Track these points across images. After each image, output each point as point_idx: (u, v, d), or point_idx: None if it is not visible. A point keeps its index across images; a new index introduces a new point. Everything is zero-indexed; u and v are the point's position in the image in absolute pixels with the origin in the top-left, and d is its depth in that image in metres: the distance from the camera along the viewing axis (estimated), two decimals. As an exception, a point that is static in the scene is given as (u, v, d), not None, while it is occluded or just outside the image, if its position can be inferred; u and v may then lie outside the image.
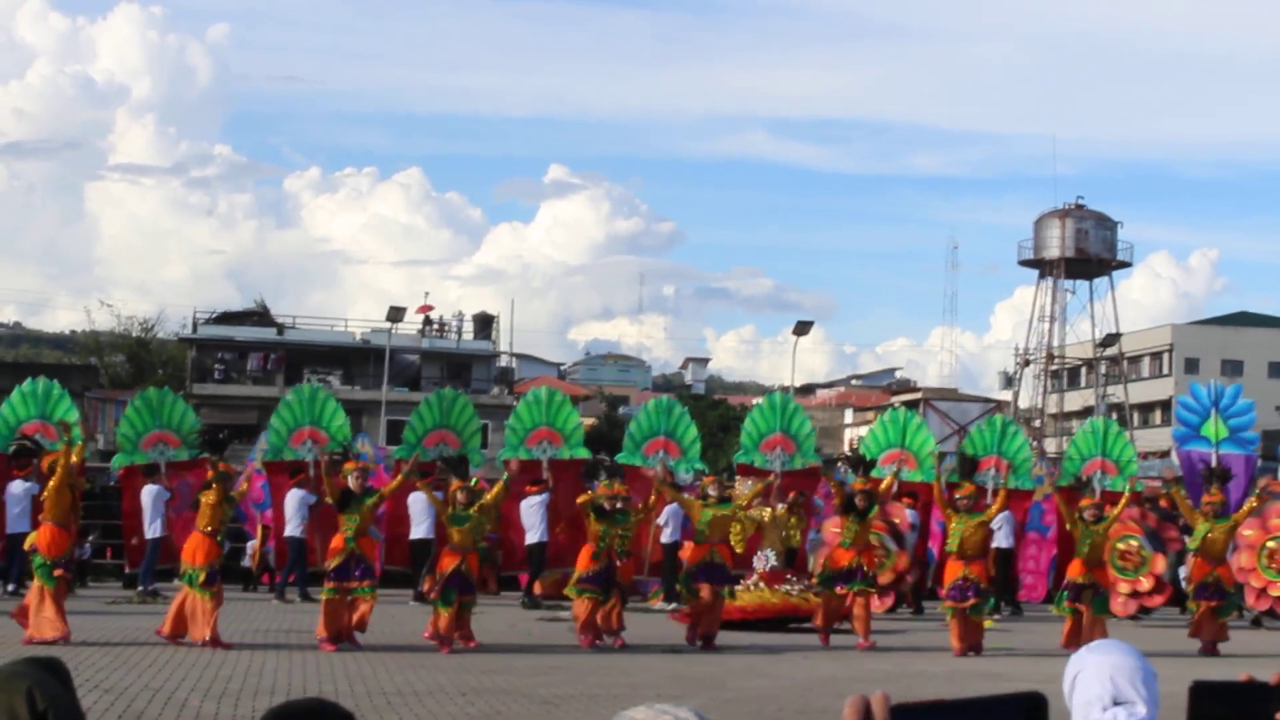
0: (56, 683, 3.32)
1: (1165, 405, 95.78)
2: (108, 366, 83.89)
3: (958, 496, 23.59)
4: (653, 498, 23.78)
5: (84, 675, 16.63)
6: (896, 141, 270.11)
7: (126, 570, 33.33)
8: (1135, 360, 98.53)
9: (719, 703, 16.52)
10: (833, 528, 26.91)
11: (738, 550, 26.09)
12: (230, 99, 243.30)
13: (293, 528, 30.54)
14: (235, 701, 15.67)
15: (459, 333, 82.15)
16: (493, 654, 21.03)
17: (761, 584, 26.14)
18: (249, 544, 34.21)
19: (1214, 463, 28.83)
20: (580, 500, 22.85)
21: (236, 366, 78.06)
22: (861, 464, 26.62)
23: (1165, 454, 63.78)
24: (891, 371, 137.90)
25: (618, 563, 22.58)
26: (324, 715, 4.20)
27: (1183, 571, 28.22)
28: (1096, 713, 5.27)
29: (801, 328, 62.69)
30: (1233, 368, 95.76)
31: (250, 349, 78.36)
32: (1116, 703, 5.24)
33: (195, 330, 79.26)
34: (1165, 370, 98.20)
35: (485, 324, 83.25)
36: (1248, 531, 27.39)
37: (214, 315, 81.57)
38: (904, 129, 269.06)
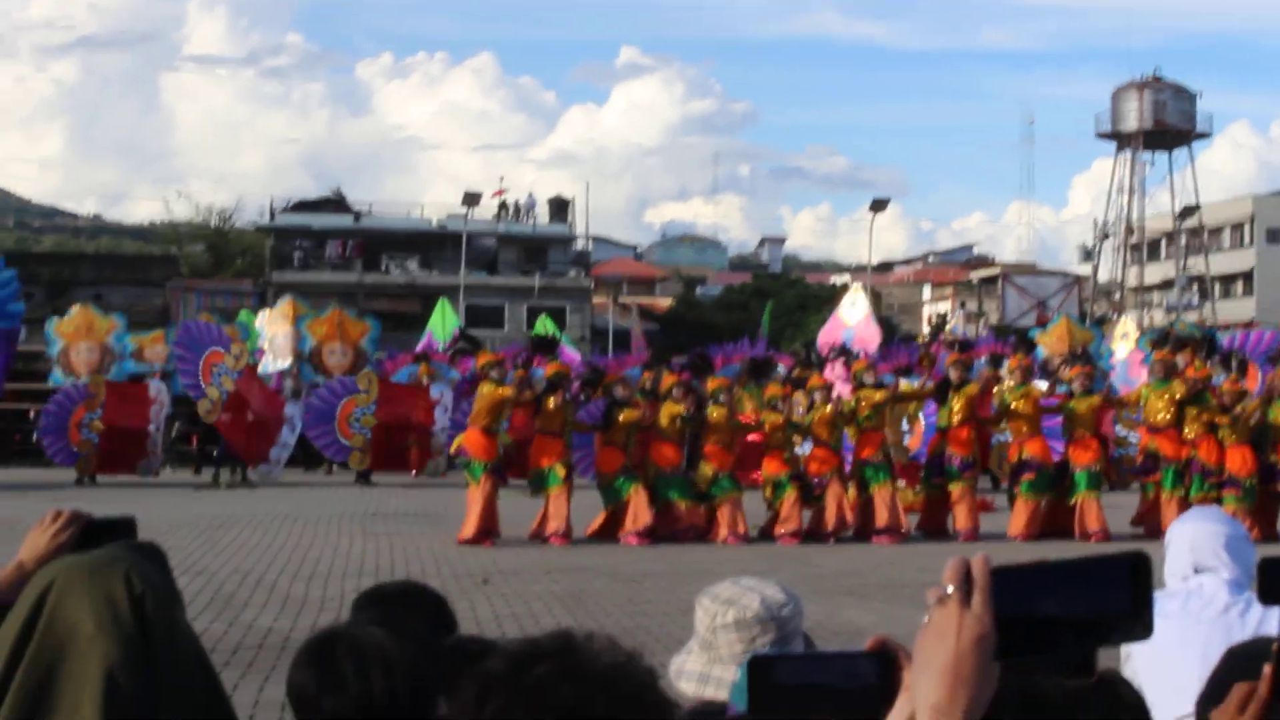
0: (153, 567, 3.38)
1: (1247, 276, 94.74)
2: (187, 256, 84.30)
3: None
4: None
5: (175, 559, 16.67)
6: (968, 16, 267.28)
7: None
8: (1216, 232, 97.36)
9: (803, 577, 16.61)
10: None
11: None
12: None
13: None
14: (324, 583, 15.88)
15: (523, 213, 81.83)
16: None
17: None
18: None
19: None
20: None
21: (315, 254, 78.20)
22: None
23: (1248, 325, 63.23)
24: (969, 247, 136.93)
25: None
26: (415, 597, 4.27)
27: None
28: (1178, 584, 5.30)
29: (878, 205, 62.46)
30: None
31: (328, 236, 78.50)
32: (1198, 571, 5.27)
33: (273, 219, 79.50)
34: (1246, 241, 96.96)
35: (561, 207, 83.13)
36: None
37: (291, 204, 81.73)
38: (975, 3, 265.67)
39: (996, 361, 24.17)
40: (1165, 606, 5.18)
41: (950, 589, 1.91)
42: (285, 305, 38.87)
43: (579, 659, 2.22)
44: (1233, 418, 22.59)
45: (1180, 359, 24.16)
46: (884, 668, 1.98)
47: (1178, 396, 22.57)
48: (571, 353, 36.38)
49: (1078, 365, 23.50)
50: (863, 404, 22.16)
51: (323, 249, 78.65)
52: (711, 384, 22.44)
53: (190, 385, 31.79)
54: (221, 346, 31.60)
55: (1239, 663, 3.09)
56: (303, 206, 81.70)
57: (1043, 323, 45.77)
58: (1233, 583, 5.15)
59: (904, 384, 24.04)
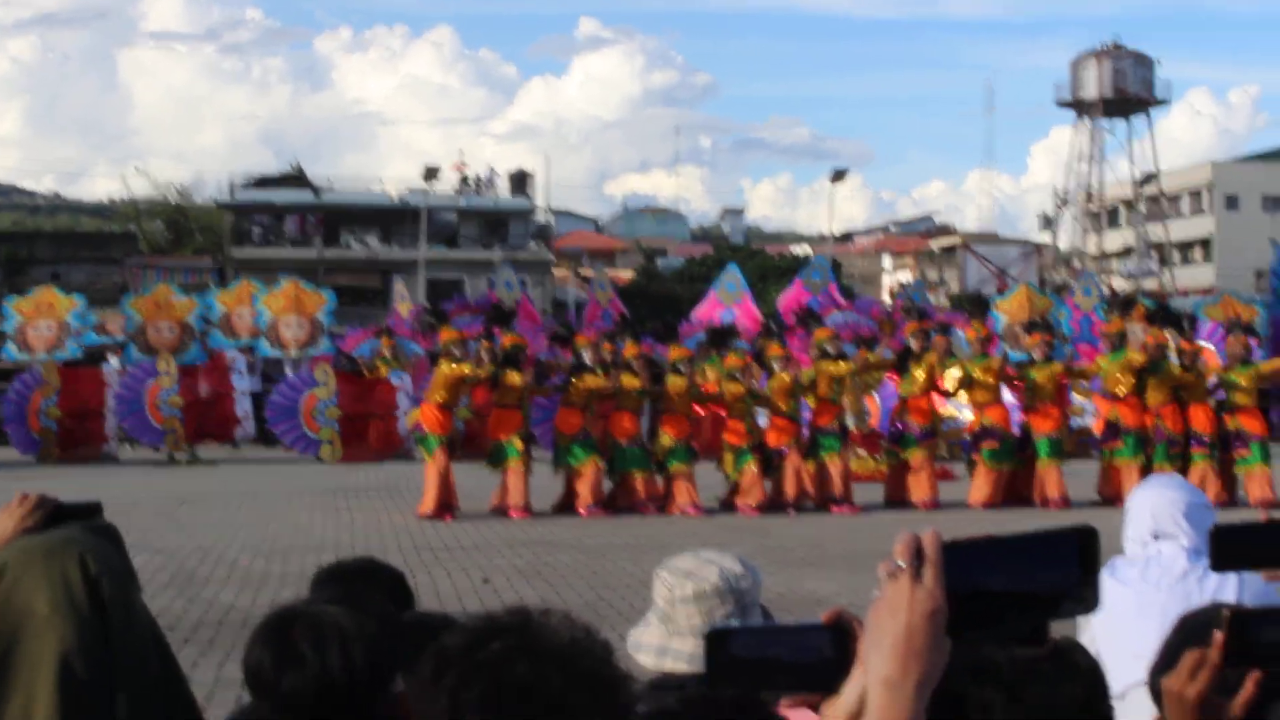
0: (110, 547, 3.37)
1: (1205, 243, 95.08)
2: (147, 233, 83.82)
3: None
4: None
5: (135, 537, 16.74)
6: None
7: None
8: (1175, 198, 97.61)
9: (764, 549, 16.64)
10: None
11: None
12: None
13: None
14: (285, 559, 15.85)
15: (481, 186, 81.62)
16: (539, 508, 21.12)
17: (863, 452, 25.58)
18: None
19: None
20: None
21: (275, 230, 77.91)
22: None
23: (1206, 291, 63.47)
24: (929, 217, 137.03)
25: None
26: (374, 573, 4.28)
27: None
28: (1137, 550, 5.33)
29: (838, 176, 62.54)
30: (1273, 204, 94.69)
31: (288, 212, 78.19)
32: (1157, 537, 5.30)
33: (232, 195, 79.14)
34: (1205, 208, 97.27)
35: (521, 181, 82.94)
36: None
37: (251, 180, 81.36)
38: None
39: (945, 329, 24.20)
40: (1124, 573, 5.22)
41: (901, 564, 1.92)
42: (240, 287, 38.83)
43: (535, 635, 2.23)
44: (1196, 373, 22.71)
45: (1138, 327, 24.26)
46: (840, 640, 1.99)
47: (1136, 365, 22.64)
48: (533, 310, 36.69)
49: (1037, 333, 23.56)
50: (822, 377, 22.14)
51: (282, 225, 78.37)
52: (673, 354, 22.47)
53: (151, 440, 31.90)
54: (152, 377, 31.75)
55: (1191, 630, 3.11)
56: (262, 183, 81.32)
57: (1003, 291, 45.81)
58: (1192, 550, 5.18)
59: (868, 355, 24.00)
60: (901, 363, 23.11)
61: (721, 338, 24.12)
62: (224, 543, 17.34)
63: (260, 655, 3.39)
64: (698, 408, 23.32)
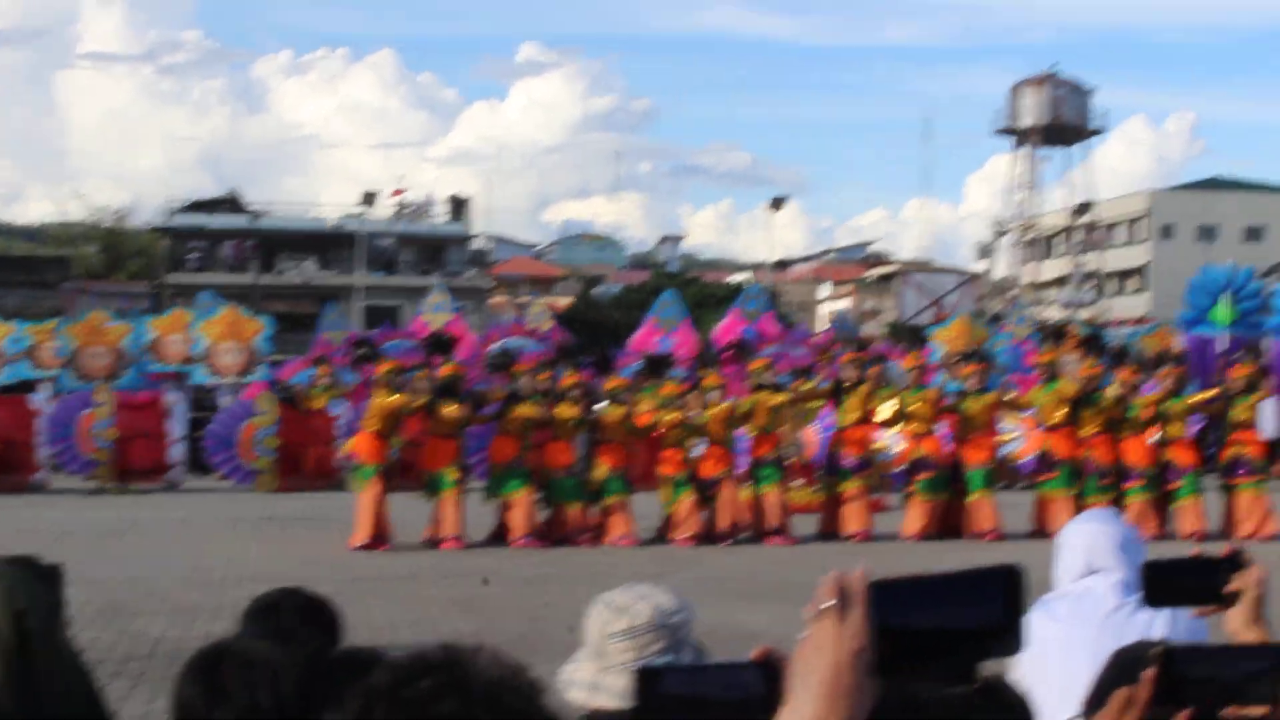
0: (39, 582, 3.34)
1: (1141, 272, 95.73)
2: (82, 257, 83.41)
3: None
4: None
5: (64, 568, 16.59)
6: (869, 12, 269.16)
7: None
8: (1111, 227, 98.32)
9: (696, 580, 16.64)
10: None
11: None
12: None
13: None
14: (218, 590, 15.74)
15: (419, 213, 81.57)
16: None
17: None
18: None
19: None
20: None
21: (211, 255, 77.70)
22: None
23: (1139, 320, 63.89)
24: (866, 245, 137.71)
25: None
26: (305, 607, 4.26)
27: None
28: (1069, 583, 5.34)
29: (777, 204, 62.80)
30: (1208, 233, 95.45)
31: (224, 237, 77.99)
32: (1091, 572, 5.31)
33: (169, 219, 78.84)
34: (1141, 236, 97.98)
35: (459, 206, 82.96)
36: None
37: (187, 204, 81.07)
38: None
39: (880, 359, 24.25)
40: (1055, 609, 5.22)
41: (828, 603, 1.91)
42: (174, 315, 38.69)
43: (463, 672, 2.21)
44: (1128, 405, 22.75)
45: (1072, 358, 24.35)
46: (770, 678, 1.98)
47: (1068, 396, 22.72)
48: (469, 333, 36.73)
49: (972, 364, 23.61)
50: (759, 407, 22.13)
51: (218, 250, 78.08)
52: (610, 383, 22.44)
53: (79, 469, 31.64)
54: (88, 406, 31.58)
55: (1121, 667, 3.12)
56: (198, 206, 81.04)
57: (941, 320, 46.08)
58: (1123, 584, 5.18)
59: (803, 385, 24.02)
60: (837, 393, 23.11)
61: (658, 366, 24.12)
62: (155, 573, 17.20)
63: (190, 691, 3.36)
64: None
